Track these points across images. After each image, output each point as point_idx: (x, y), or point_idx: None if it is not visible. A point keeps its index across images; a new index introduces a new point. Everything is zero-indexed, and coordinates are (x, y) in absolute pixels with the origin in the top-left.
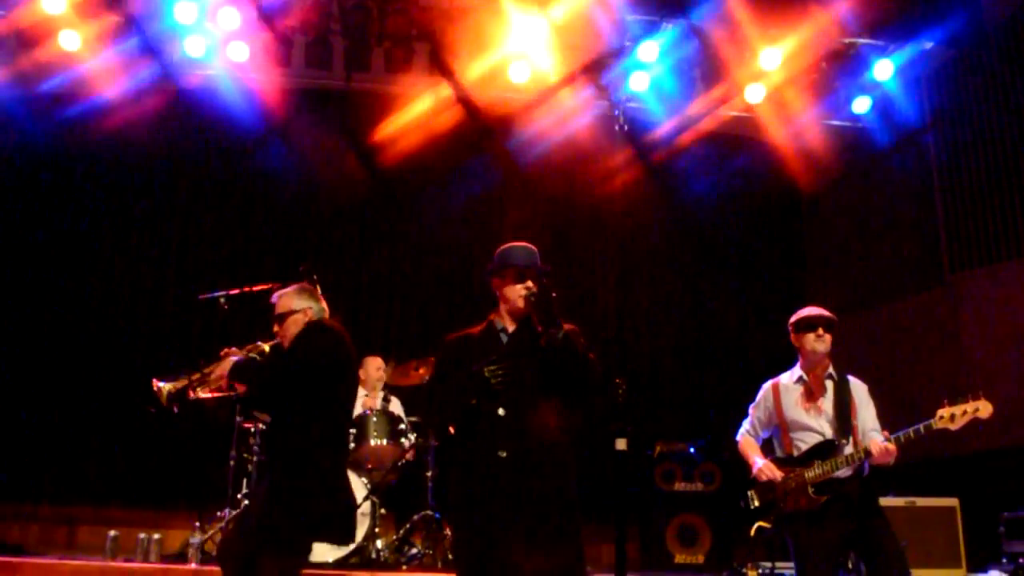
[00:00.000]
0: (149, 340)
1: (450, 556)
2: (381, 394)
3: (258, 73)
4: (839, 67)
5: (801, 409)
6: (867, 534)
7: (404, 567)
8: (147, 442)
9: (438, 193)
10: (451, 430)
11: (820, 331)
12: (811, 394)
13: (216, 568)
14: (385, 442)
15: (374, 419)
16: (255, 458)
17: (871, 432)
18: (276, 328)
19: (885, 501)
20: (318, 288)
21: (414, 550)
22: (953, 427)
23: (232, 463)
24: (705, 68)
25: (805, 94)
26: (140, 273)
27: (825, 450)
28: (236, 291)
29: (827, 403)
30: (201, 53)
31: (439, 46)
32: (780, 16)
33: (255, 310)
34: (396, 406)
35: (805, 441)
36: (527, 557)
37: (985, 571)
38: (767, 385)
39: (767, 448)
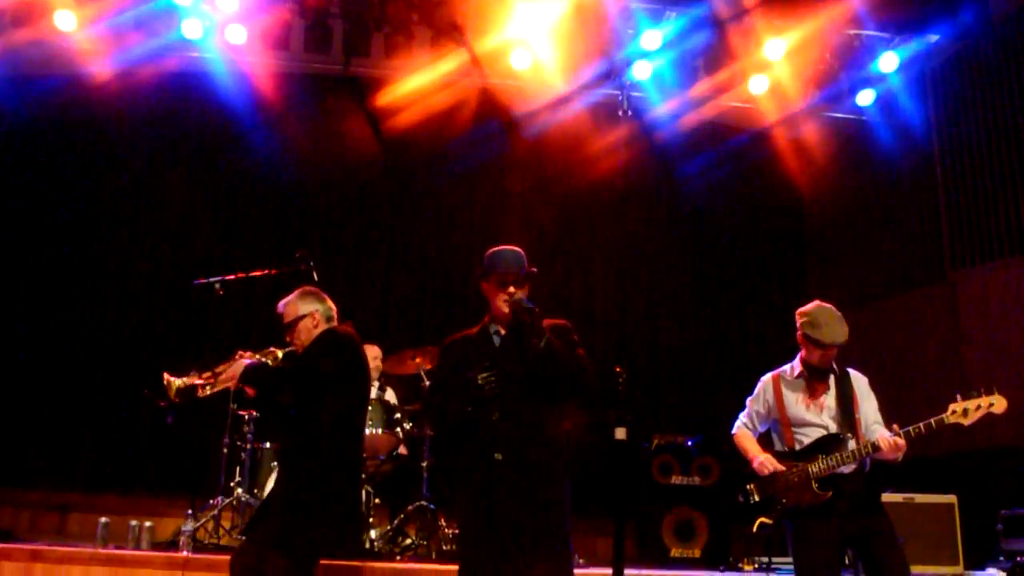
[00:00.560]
0: (143, 327)
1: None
2: (377, 383)
3: (256, 57)
4: (844, 58)
5: (803, 406)
6: (868, 533)
7: (398, 557)
8: (140, 429)
9: (436, 180)
10: (450, 435)
11: None
12: (813, 389)
13: (208, 556)
14: (380, 431)
15: (369, 408)
16: (248, 445)
17: (873, 425)
18: (288, 337)
19: (883, 497)
20: (315, 274)
21: (408, 540)
22: (966, 422)
23: (225, 451)
24: (709, 58)
25: (809, 86)
26: (134, 259)
27: (829, 444)
28: (231, 277)
29: (829, 398)
30: (199, 36)
31: (440, 31)
32: (786, 5)
33: (250, 296)
34: (391, 395)
35: (808, 435)
36: (518, 558)
37: (983, 568)
38: (767, 378)
39: (765, 442)
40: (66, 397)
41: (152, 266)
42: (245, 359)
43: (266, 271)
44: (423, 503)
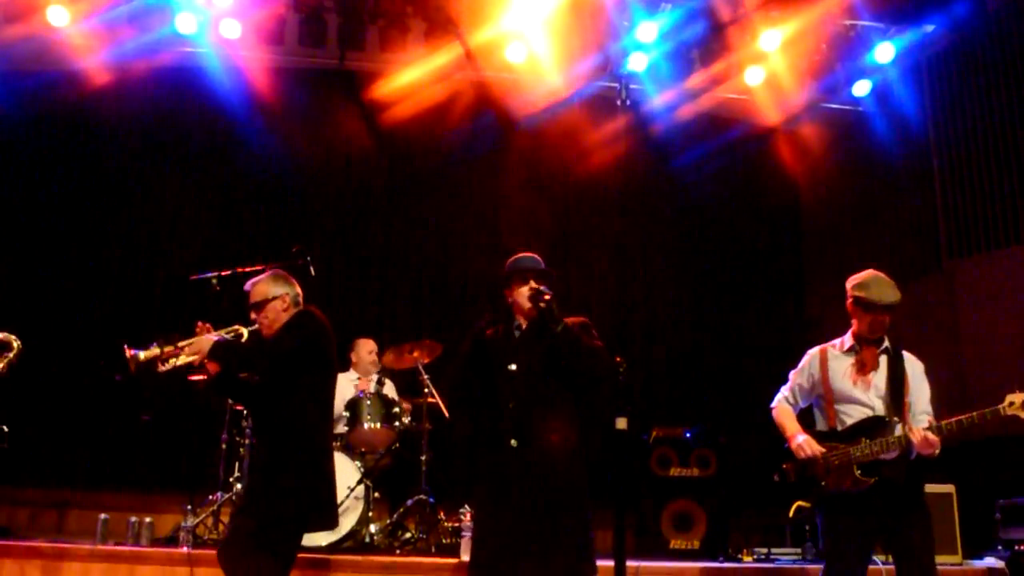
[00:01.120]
0: (140, 322)
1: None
2: (375, 377)
3: (250, 51)
4: (840, 48)
5: (849, 380)
6: (904, 529)
7: (398, 551)
8: (138, 425)
9: (432, 173)
10: (467, 422)
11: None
12: (863, 366)
13: (207, 551)
14: (379, 425)
15: (368, 402)
16: (247, 441)
17: (920, 415)
18: (254, 316)
19: None
20: (312, 269)
21: (408, 534)
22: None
23: (224, 446)
24: (705, 49)
25: (805, 77)
26: (131, 254)
27: (874, 427)
28: (228, 272)
29: (879, 377)
30: (193, 30)
31: (435, 24)
32: None
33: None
34: (390, 389)
35: (851, 415)
36: (533, 549)
37: (980, 558)
38: (814, 351)
39: (806, 419)
40: (65, 393)
41: (148, 261)
42: (210, 334)
43: (263, 266)
44: (422, 497)
